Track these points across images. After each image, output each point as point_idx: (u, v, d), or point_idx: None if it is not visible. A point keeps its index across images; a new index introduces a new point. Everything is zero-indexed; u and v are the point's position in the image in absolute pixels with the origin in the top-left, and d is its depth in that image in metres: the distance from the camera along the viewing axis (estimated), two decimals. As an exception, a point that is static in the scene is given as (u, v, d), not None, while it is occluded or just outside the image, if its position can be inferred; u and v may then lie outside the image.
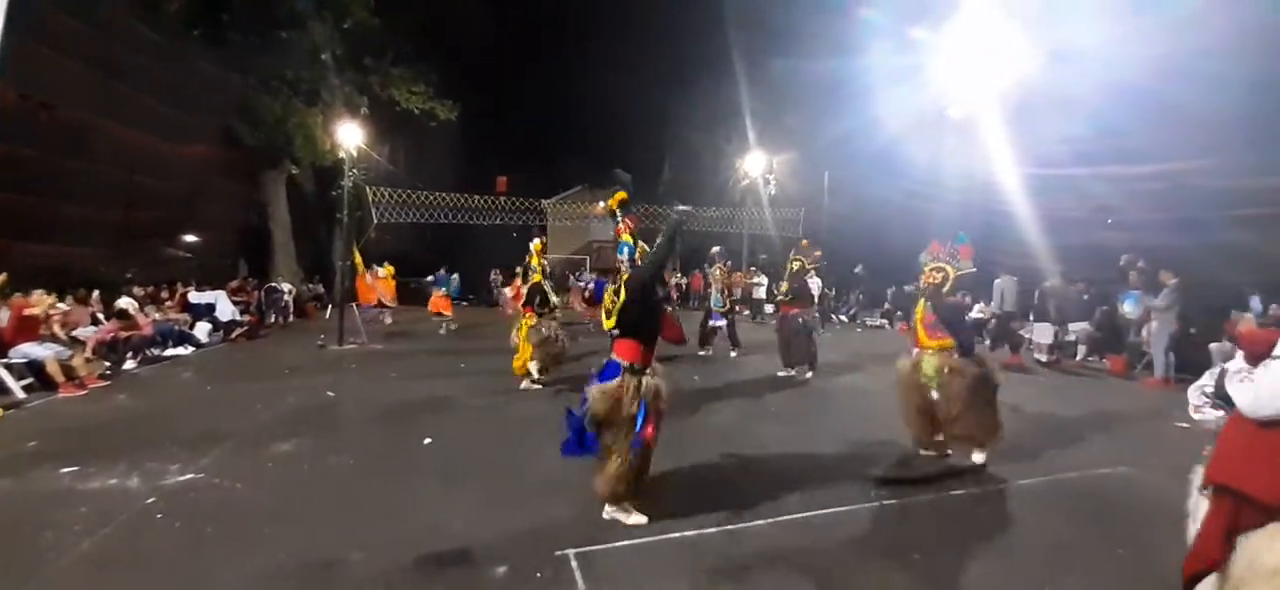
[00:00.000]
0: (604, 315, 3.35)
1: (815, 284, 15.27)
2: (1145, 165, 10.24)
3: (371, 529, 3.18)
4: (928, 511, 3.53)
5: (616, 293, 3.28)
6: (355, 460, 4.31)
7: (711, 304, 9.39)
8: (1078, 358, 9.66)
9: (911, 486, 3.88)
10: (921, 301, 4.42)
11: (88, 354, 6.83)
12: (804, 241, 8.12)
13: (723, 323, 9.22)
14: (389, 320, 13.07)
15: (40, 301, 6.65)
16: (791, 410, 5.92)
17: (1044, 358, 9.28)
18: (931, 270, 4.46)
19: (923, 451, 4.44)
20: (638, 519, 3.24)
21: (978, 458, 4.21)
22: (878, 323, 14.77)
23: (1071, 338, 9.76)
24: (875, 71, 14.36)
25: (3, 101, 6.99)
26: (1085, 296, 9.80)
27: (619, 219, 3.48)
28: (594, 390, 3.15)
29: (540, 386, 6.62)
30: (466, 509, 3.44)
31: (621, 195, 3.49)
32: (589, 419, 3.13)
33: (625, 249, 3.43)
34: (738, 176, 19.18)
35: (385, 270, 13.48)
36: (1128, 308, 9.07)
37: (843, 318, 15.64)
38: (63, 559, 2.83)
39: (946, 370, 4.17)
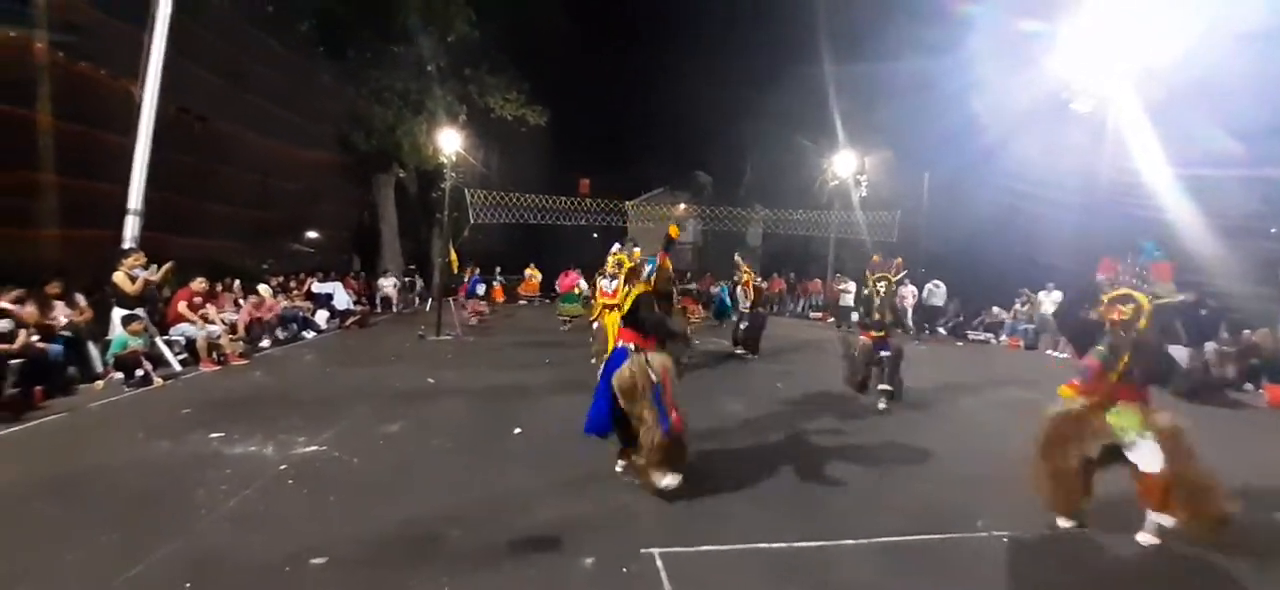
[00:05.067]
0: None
1: (909, 291, 14.50)
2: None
3: (469, 509, 3.36)
4: (1043, 549, 3.19)
5: (629, 293, 3.92)
6: (453, 443, 4.59)
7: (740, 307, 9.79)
8: (1219, 385, 8.35)
9: (1027, 517, 3.49)
10: (1125, 350, 3.15)
11: (240, 333, 7.76)
12: (876, 256, 7.11)
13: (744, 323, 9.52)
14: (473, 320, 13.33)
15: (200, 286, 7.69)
16: (885, 427, 5.60)
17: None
18: (1114, 302, 3.22)
19: (1063, 522, 3.38)
20: (670, 480, 3.54)
21: (1147, 538, 3.17)
22: (982, 337, 13.68)
23: (1205, 360, 8.46)
24: (985, 62, 13.27)
25: (166, 115, 8.11)
26: (1203, 312, 8.41)
27: (668, 248, 4.02)
28: (615, 374, 3.62)
29: None
30: (554, 499, 3.55)
31: (675, 232, 4.12)
32: (619, 397, 3.61)
33: (651, 263, 3.96)
34: (825, 177, 18.47)
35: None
36: (1294, 329, 7.80)
37: (941, 329, 14.62)
38: (213, 513, 3.22)
39: (1151, 428, 3.08)
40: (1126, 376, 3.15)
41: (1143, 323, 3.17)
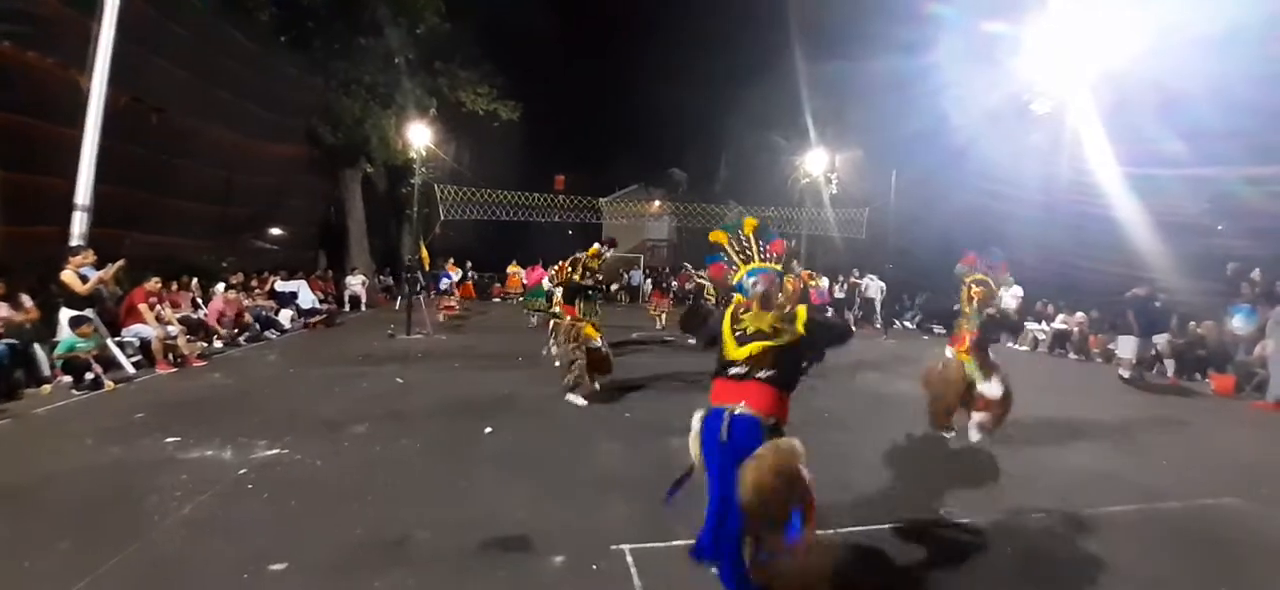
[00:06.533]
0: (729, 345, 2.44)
1: (877, 285, 14.83)
2: (1270, 165, 9.20)
3: (438, 511, 3.31)
4: (1005, 532, 3.31)
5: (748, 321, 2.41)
6: (422, 444, 4.51)
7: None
8: (1169, 375, 8.77)
9: (985, 504, 3.65)
10: (974, 317, 4.64)
11: (217, 328, 7.50)
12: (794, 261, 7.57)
13: None
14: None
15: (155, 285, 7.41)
16: (848, 417, 5.70)
17: (1126, 374, 8.43)
18: (973, 285, 4.62)
19: (943, 432, 4.87)
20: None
21: (974, 434, 4.61)
22: (943, 330, 14.06)
23: (1155, 352, 8.87)
24: (951, 64, 13.59)
25: (117, 105, 7.75)
26: (1157, 303, 8.80)
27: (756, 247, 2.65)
28: (745, 467, 2.15)
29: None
30: (525, 498, 3.52)
31: (753, 222, 2.70)
32: (745, 513, 2.13)
33: (756, 274, 2.56)
34: (797, 175, 18.73)
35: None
36: (1238, 322, 8.21)
37: (908, 323, 14.98)
38: (166, 521, 3.10)
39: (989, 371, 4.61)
40: (979, 336, 4.59)
41: (992, 308, 4.62)
